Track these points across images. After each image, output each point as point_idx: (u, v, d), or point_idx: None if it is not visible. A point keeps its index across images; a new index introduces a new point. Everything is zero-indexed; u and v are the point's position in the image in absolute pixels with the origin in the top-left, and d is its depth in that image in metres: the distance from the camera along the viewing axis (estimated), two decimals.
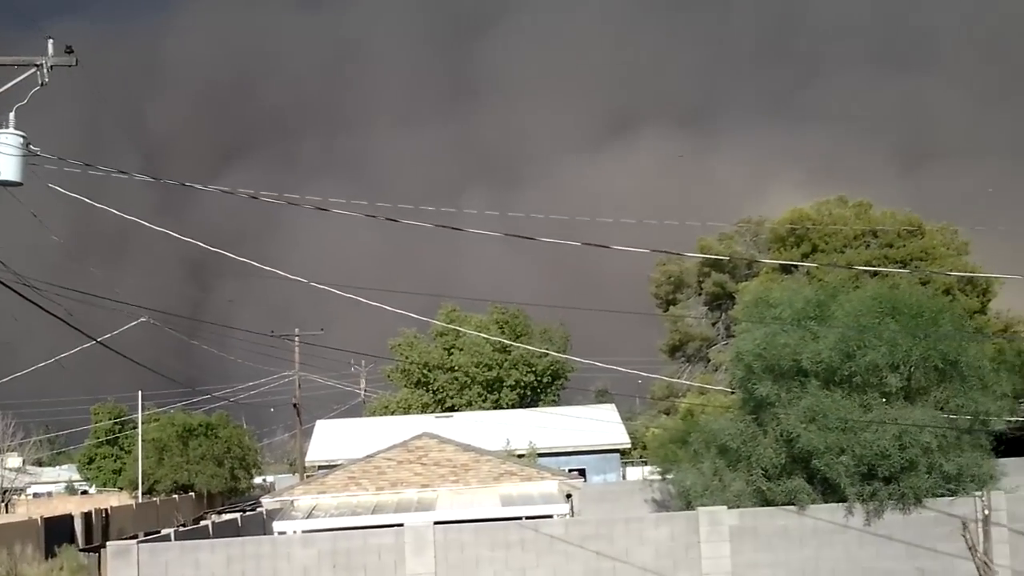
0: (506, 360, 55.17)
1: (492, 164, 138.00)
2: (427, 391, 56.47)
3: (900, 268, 44.68)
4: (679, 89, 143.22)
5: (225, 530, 34.14)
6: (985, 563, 24.03)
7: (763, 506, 25.10)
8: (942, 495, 24.40)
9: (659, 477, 31.95)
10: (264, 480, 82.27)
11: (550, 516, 26.36)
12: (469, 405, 54.75)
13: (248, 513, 39.99)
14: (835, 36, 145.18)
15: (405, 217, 23.90)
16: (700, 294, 59.21)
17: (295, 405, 62.94)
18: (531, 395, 55.96)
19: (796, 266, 48.74)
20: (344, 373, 71.70)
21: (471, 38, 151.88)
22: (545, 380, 56.49)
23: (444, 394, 55.94)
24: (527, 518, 25.89)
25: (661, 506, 32.37)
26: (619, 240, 23.22)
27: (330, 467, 34.48)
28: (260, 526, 34.07)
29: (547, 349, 52.57)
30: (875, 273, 43.79)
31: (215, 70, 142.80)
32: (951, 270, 48.30)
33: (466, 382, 55.41)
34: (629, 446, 47.69)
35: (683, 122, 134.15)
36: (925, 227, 53.72)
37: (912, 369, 24.93)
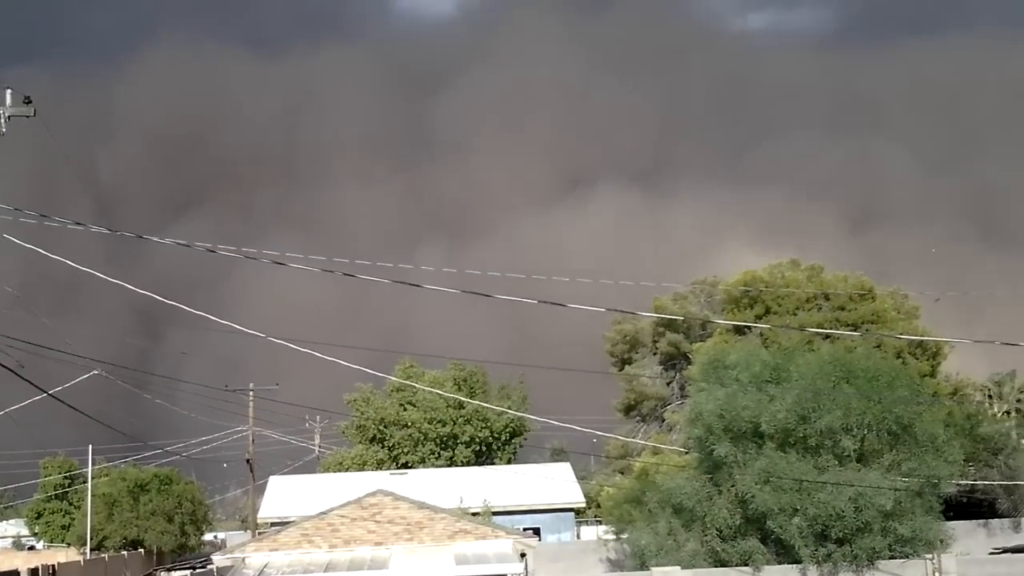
0: (460, 416, 55.10)
1: (448, 219, 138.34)
2: (382, 447, 56.17)
3: (852, 331, 45.16)
4: (632, 147, 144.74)
5: None
6: None
7: (717, 567, 25.19)
8: (894, 558, 24.59)
9: (614, 536, 31.96)
10: (215, 537, 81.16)
11: (504, 575, 26.28)
12: (423, 462, 54.52)
13: (198, 570, 39.53)
14: (784, 99, 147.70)
15: (362, 272, 23.98)
16: (655, 353, 59.47)
17: (248, 460, 62.25)
18: (487, 452, 55.84)
19: (750, 327, 49.21)
20: (299, 428, 71.13)
21: (427, 93, 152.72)
22: (503, 437, 56.42)
23: (399, 450, 55.66)
24: None
25: (616, 566, 32.32)
26: (575, 298, 23.44)
27: (283, 524, 34.16)
28: None
29: (504, 407, 52.57)
30: (828, 336, 44.28)
31: (170, 119, 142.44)
32: (902, 333, 48.91)
33: (420, 438, 55.23)
34: (584, 505, 47.63)
35: (636, 180, 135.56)
36: (876, 291, 54.51)
37: (866, 432, 25.25)
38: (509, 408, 52.71)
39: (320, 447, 70.78)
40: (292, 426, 69.09)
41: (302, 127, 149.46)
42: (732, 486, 25.38)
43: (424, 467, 52.82)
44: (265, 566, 27.64)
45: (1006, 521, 38.71)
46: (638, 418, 58.81)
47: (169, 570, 51.79)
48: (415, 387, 53.15)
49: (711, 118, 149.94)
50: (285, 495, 45.96)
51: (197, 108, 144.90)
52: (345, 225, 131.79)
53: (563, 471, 47.60)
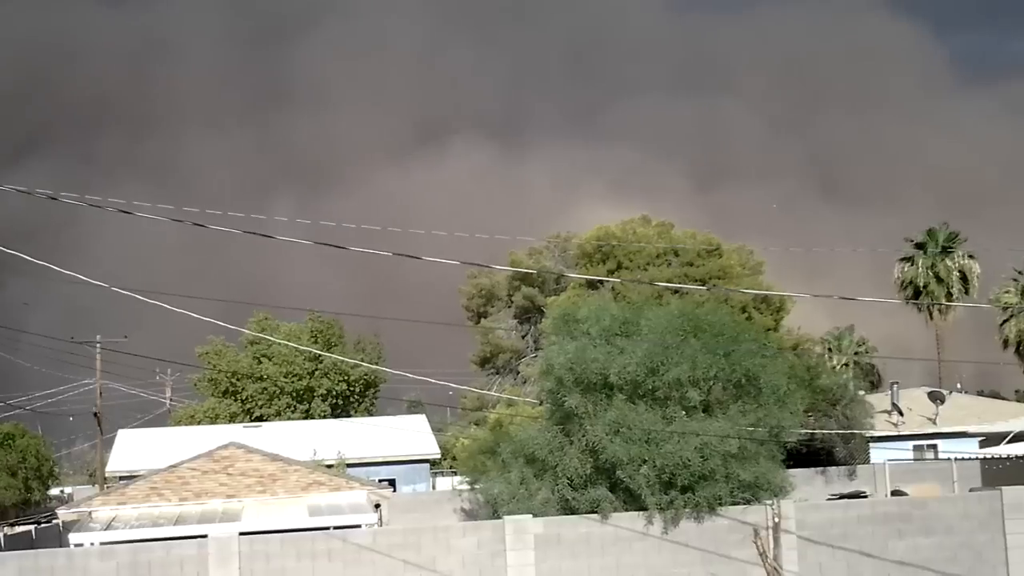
0: (317, 369, 54.76)
1: (302, 170, 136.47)
2: (236, 401, 55.46)
3: (700, 286, 46.36)
4: (488, 102, 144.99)
5: (18, 543, 32.99)
6: (775, 568, 25.20)
7: (568, 515, 25.74)
8: (736, 504, 25.49)
9: (468, 487, 32.35)
10: (62, 491, 79.25)
11: (358, 526, 26.42)
12: (279, 415, 54.03)
13: (43, 525, 38.62)
14: (636, 59, 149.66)
15: (213, 223, 23.57)
16: (510, 307, 60.10)
17: (96, 414, 60.94)
18: (343, 405, 55.66)
19: (602, 282, 50.03)
20: (149, 382, 69.81)
21: (282, 42, 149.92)
22: (358, 390, 56.29)
23: (253, 404, 55.04)
24: (335, 528, 25.91)
25: (470, 515, 32.77)
26: (431, 251, 23.42)
27: (132, 478, 33.63)
28: (56, 539, 32.99)
29: (360, 359, 52.40)
30: (677, 291, 45.35)
31: (8, 61, 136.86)
32: (747, 289, 50.39)
33: (276, 392, 54.71)
34: (439, 457, 47.97)
35: (493, 135, 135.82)
36: (723, 247, 56.03)
37: (711, 384, 26.05)
38: (363, 361, 52.62)
39: (171, 400, 69.60)
40: (142, 379, 67.82)
41: (151, 73, 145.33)
42: (583, 436, 25.91)
43: (280, 420, 52.41)
44: (112, 520, 27.20)
45: (843, 469, 40.46)
46: (493, 371, 59.45)
47: (12, 525, 50.43)
48: (270, 340, 52.61)
49: (565, 76, 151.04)
50: (135, 449, 45.12)
51: (38, 50, 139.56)
52: (197, 174, 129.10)
53: (419, 423, 47.82)
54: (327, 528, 25.75)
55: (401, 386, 59.56)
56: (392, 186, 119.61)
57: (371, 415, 54.21)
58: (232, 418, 54.19)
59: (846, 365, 72.14)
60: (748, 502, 25.55)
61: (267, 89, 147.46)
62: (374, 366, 53.30)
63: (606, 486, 25.57)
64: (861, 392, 47.62)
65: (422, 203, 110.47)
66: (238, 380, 55.42)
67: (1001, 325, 60.57)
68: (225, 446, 31.39)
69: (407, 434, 45.27)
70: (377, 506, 28.86)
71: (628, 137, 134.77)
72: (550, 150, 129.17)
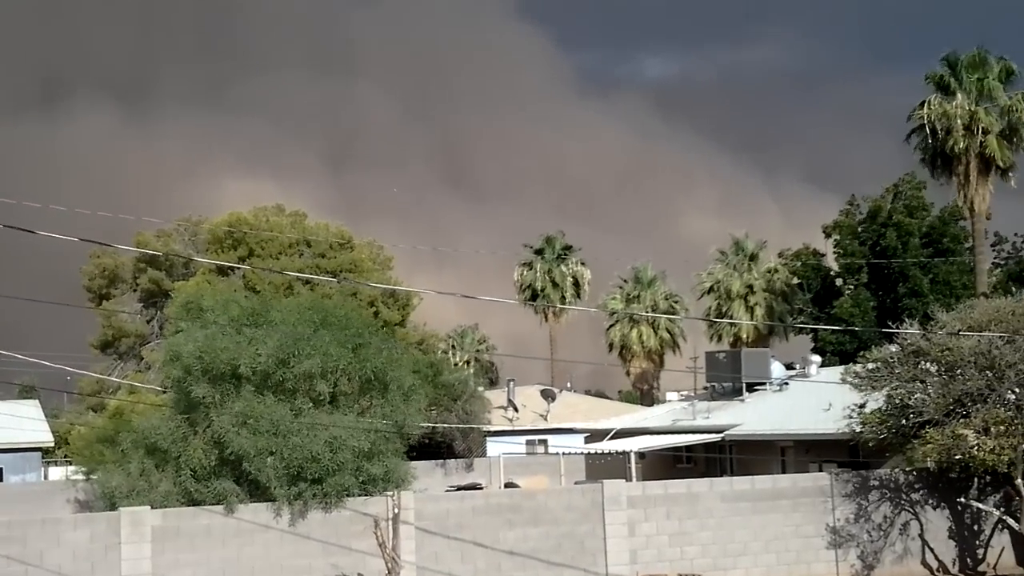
0: None
1: None
2: None
3: (331, 278, 46.90)
4: (116, 67, 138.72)
5: None
6: (393, 559, 26.03)
7: (190, 506, 25.50)
8: (362, 495, 26.13)
9: (84, 478, 31.23)
10: None
11: None
12: None
13: None
14: (269, 35, 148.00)
15: None
16: (135, 290, 58.19)
17: None
18: None
19: (233, 268, 49.51)
20: None
21: None
22: None
23: None
24: None
25: (85, 507, 31.59)
26: (47, 225, 22.23)
27: None
28: None
29: None
30: (308, 282, 45.66)
31: None
32: (376, 283, 51.44)
33: None
34: (53, 445, 45.76)
35: (121, 103, 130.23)
36: (355, 241, 56.94)
37: (339, 377, 26.56)
38: None
39: None
40: None
41: None
42: (208, 427, 25.74)
43: None
44: None
45: (461, 461, 42.27)
46: (115, 355, 57.31)
47: None
48: None
49: (195, 47, 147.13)
50: None
51: None
52: None
53: (30, 409, 45.47)
54: None
55: (13, 369, 56.26)
56: (1, 148, 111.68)
57: None
58: None
59: (467, 362, 75.02)
60: (370, 494, 26.24)
61: None
62: None
63: (232, 478, 25.54)
64: (480, 388, 49.78)
65: (39, 169, 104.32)
66: None
67: (608, 329, 64.98)
68: None
69: (16, 420, 42.94)
70: None
71: (260, 113, 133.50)
72: (179, 121, 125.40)
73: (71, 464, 42.59)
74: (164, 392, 32.73)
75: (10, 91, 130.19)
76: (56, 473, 48.80)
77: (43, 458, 45.42)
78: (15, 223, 21.28)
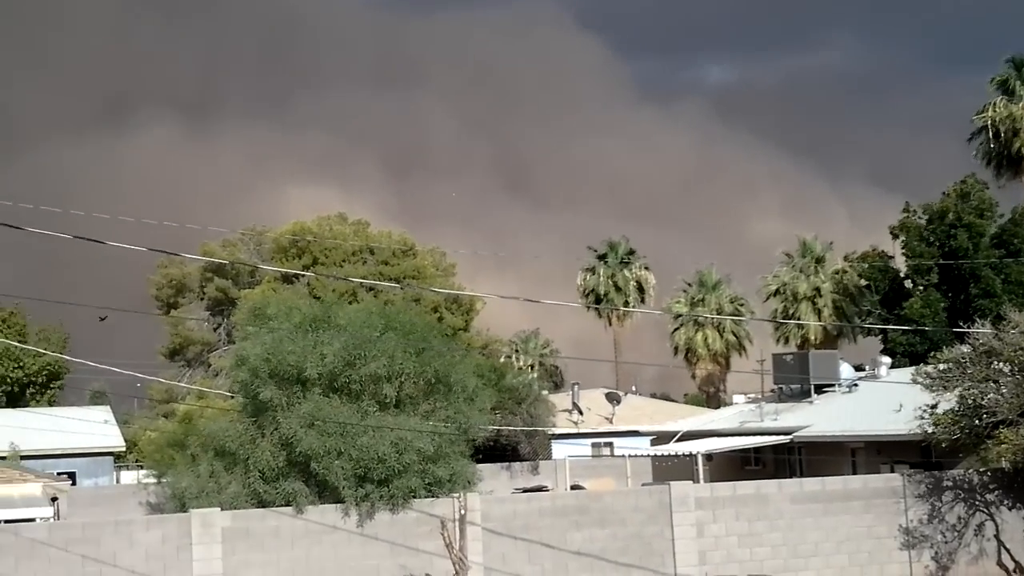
0: None
1: None
2: None
3: (394, 284, 47.19)
4: (180, 84, 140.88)
5: None
6: (460, 559, 26.04)
7: (259, 507, 25.67)
8: (428, 497, 26.16)
9: (155, 481, 31.61)
10: None
11: (32, 519, 25.48)
12: None
13: None
14: (330, 50, 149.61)
15: None
16: (202, 299, 58.99)
17: None
18: (19, 395, 52.88)
19: (298, 276, 49.98)
20: None
21: None
22: (39, 381, 53.62)
23: None
24: (6, 521, 24.91)
25: (156, 509, 31.95)
26: (117, 236, 22.49)
27: None
28: None
29: (44, 349, 50.01)
30: (371, 288, 45.94)
31: None
32: (439, 288, 51.68)
33: None
34: (124, 449, 46.48)
35: (183, 113, 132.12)
36: (417, 248, 57.31)
37: (404, 380, 26.63)
38: (47, 351, 50.29)
39: None
40: None
41: None
42: (275, 429, 25.91)
43: None
44: None
45: (527, 464, 42.26)
46: (183, 363, 58.15)
47: None
48: None
49: (259, 62, 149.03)
50: None
51: None
52: None
53: (102, 414, 46.23)
54: None
55: (86, 376, 57.27)
56: (75, 163, 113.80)
57: (54, 407, 51.88)
58: None
59: (531, 366, 75.04)
60: (436, 496, 26.26)
61: None
62: (57, 355, 51.02)
63: (300, 479, 25.67)
64: (544, 392, 49.77)
65: (108, 183, 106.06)
66: None
67: (673, 332, 64.67)
68: None
69: (89, 426, 43.72)
70: (54, 499, 27.86)
71: (321, 125, 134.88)
72: (242, 135, 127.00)
73: (142, 468, 43.20)
74: (232, 397, 33.05)
75: (79, 107, 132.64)
76: (128, 477, 49.49)
77: (115, 462, 46.09)
78: (85, 235, 21.58)
